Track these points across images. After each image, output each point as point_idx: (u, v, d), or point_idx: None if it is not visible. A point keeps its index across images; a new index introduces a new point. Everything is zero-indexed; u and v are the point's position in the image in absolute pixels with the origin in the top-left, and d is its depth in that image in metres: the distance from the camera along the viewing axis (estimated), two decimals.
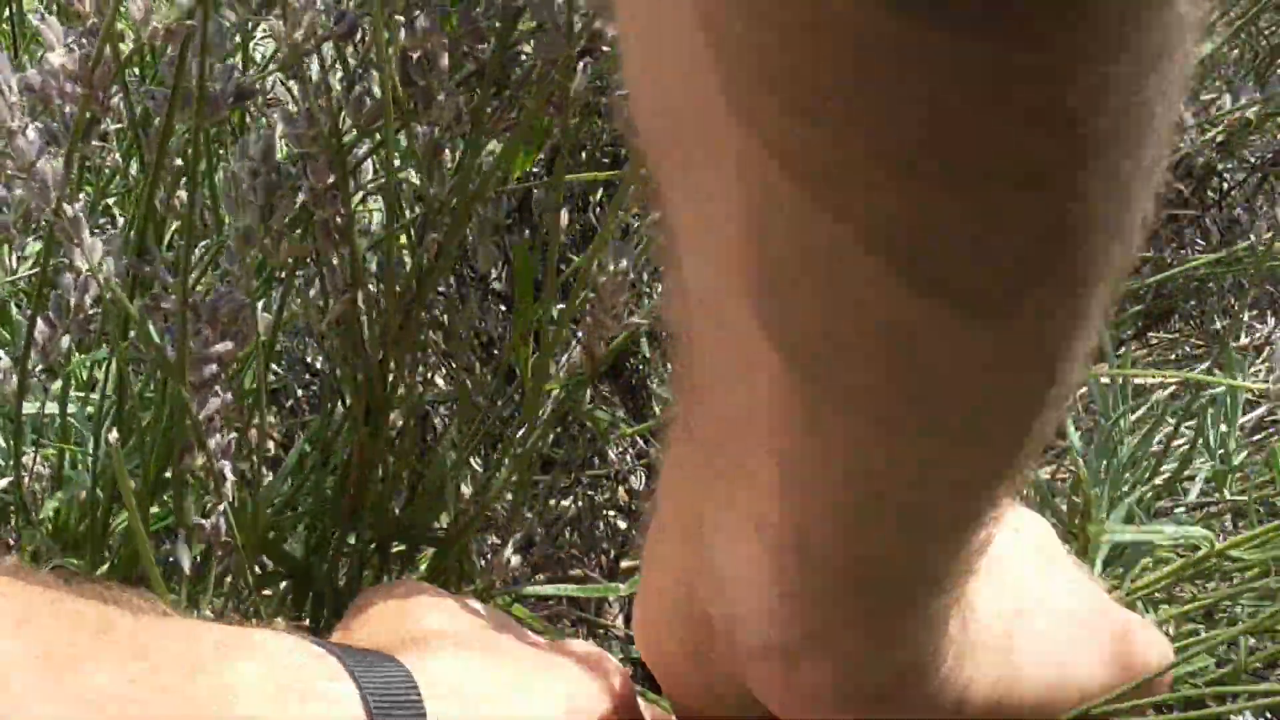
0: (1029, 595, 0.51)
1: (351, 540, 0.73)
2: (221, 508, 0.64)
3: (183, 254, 0.57)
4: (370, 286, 0.65)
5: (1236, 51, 1.19)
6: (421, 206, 0.65)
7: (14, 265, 0.95)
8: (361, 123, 0.61)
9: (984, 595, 0.47)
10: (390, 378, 0.69)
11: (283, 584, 0.73)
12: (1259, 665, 0.87)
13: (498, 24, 0.62)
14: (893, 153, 0.30)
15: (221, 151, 0.76)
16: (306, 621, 0.73)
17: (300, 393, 1.10)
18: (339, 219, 0.62)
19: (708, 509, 0.45)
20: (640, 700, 0.57)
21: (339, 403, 0.79)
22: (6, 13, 1.11)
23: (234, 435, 0.62)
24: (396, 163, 0.66)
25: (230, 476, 0.62)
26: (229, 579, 0.68)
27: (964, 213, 0.31)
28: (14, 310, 0.96)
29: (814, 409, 0.37)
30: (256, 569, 0.70)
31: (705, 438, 0.43)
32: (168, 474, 0.69)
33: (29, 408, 0.76)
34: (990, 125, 0.29)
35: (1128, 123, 0.30)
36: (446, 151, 0.63)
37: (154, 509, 0.73)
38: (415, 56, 0.60)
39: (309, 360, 1.08)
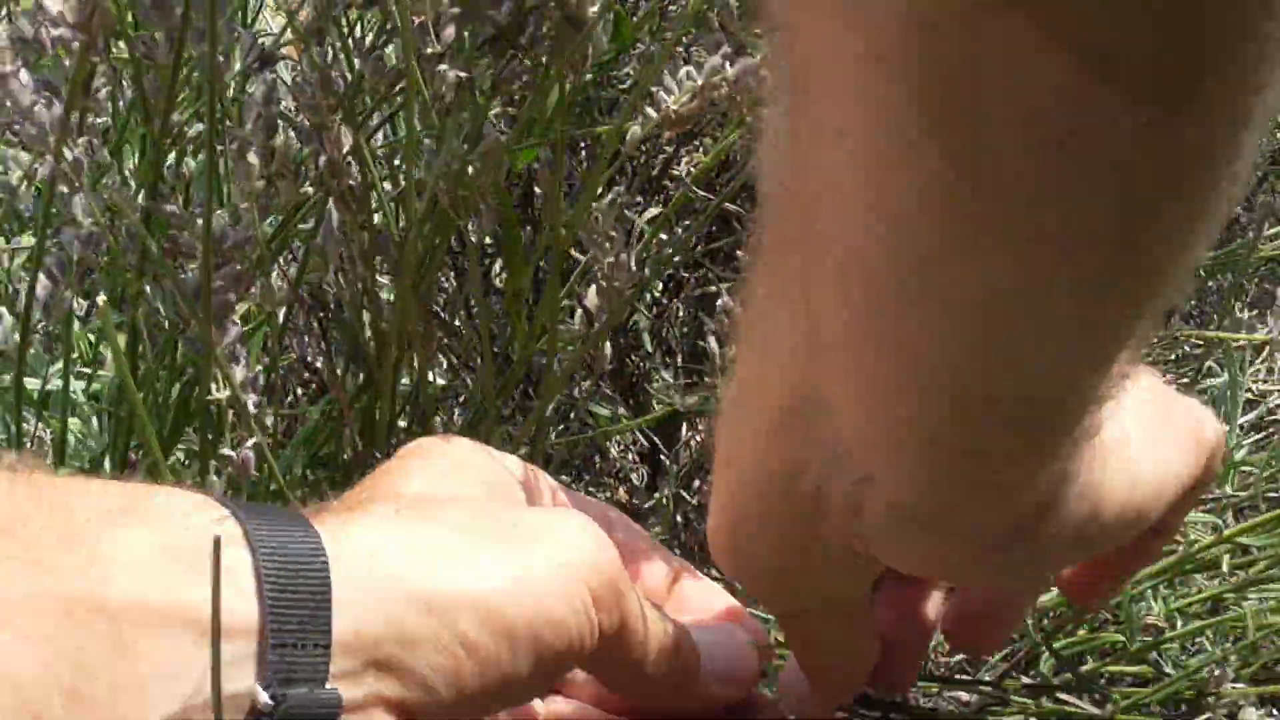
0: (1128, 396, 0.50)
1: None
2: (251, 441, 0.63)
3: (202, 179, 0.57)
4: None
5: None
6: (429, 171, 0.64)
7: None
8: (381, 87, 0.60)
9: None
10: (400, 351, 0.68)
11: None
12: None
13: None
14: None
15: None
16: None
17: (300, 391, 1.10)
18: (352, 186, 0.61)
19: (825, 374, 0.43)
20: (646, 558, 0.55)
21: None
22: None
23: (260, 369, 0.62)
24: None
25: (254, 410, 0.61)
26: None
27: None
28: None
29: (973, 213, 0.36)
30: None
31: (831, 271, 0.41)
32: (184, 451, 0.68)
33: (33, 384, 0.75)
34: None
35: None
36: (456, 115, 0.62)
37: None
38: (418, 21, 0.60)
39: (309, 360, 1.08)
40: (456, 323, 0.95)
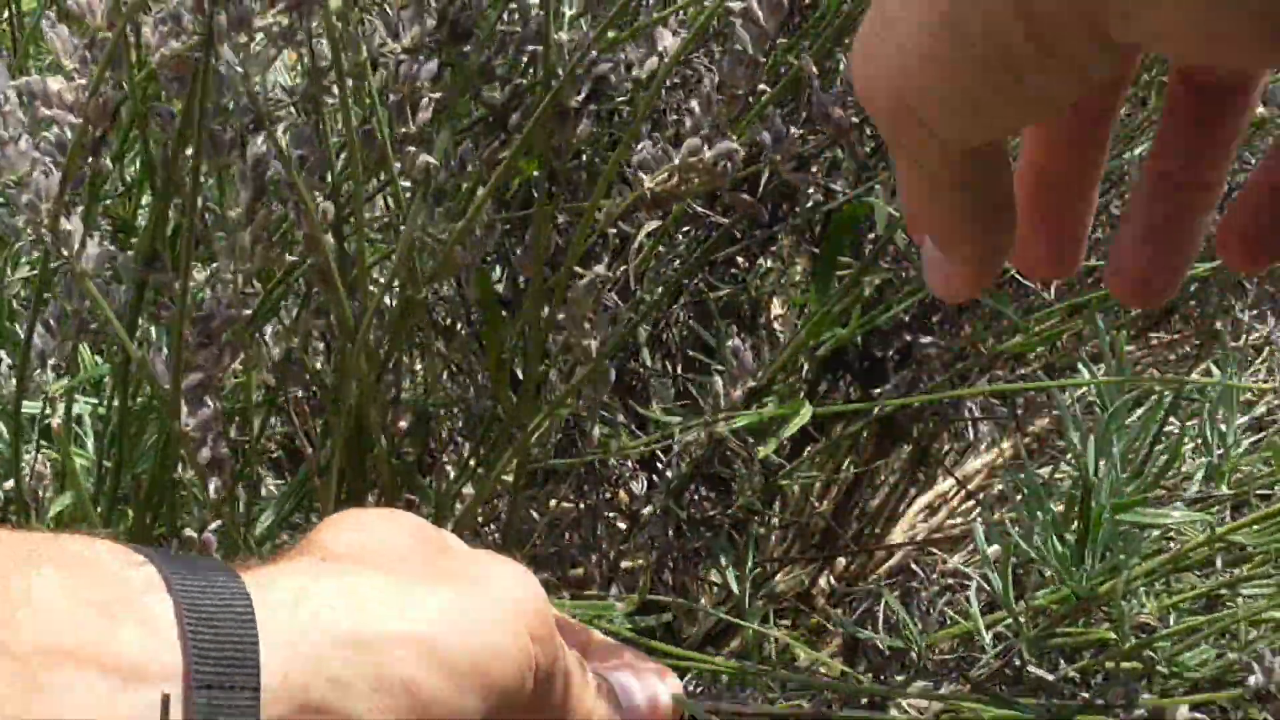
0: None
1: None
2: (214, 524, 0.64)
3: (183, 255, 0.57)
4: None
5: None
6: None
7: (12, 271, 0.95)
8: (370, 161, 0.60)
9: None
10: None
11: None
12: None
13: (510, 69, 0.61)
14: None
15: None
16: None
17: (300, 394, 1.10)
18: (331, 264, 0.61)
19: None
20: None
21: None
22: (6, 14, 1.10)
23: (226, 451, 0.62)
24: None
25: (214, 494, 0.61)
26: None
27: None
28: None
29: None
30: None
31: None
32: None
33: (32, 408, 0.75)
34: None
35: None
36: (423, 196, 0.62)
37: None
38: (396, 99, 0.59)
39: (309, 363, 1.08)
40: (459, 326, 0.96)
